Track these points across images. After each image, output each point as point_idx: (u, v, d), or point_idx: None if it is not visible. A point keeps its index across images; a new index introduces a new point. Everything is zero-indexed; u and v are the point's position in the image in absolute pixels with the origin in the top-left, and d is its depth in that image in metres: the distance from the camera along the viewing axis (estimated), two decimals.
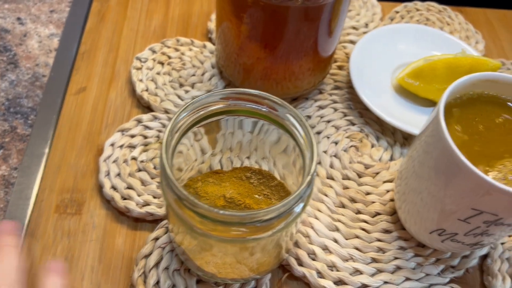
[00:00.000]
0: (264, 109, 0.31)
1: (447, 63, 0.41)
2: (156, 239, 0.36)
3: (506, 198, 0.27)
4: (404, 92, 0.45)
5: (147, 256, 0.35)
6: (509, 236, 0.39)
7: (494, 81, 0.32)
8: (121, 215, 0.39)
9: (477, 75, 0.31)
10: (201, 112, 0.31)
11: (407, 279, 0.36)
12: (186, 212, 0.27)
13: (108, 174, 0.39)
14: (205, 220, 0.26)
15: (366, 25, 0.53)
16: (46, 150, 0.42)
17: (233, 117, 0.33)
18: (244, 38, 0.39)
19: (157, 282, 0.34)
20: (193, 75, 0.47)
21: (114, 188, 0.39)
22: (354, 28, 0.53)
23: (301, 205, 0.28)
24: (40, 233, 0.37)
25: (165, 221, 0.37)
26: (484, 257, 0.38)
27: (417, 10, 0.56)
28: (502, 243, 0.39)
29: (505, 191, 0.26)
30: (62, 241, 0.37)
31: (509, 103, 0.33)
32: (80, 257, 0.36)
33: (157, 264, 0.35)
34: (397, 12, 0.55)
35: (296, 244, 0.37)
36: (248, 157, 0.40)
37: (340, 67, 0.49)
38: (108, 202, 0.39)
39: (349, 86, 0.47)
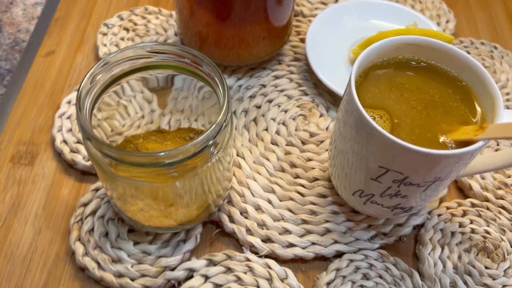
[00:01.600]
0: (188, 62, 0.32)
1: (396, 34, 0.41)
2: (97, 190, 0.38)
3: (406, 154, 0.27)
4: None
5: (85, 204, 0.37)
6: (447, 208, 0.39)
7: (418, 45, 0.32)
8: (70, 167, 0.41)
9: (397, 38, 0.32)
10: (120, 68, 0.32)
11: (336, 242, 0.37)
12: (98, 156, 0.29)
13: (61, 129, 0.42)
14: (113, 162, 0.28)
15: (336, 0, 0.54)
16: (13, 108, 0.45)
17: (155, 72, 0.34)
18: (194, 2, 0.40)
19: (92, 229, 0.36)
20: (155, 41, 0.48)
21: (65, 142, 0.41)
22: (323, 3, 0.53)
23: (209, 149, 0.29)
24: None
25: None
26: (420, 228, 0.39)
27: None
28: (439, 215, 0.39)
29: (404, 147, 0.27)
30: (12, 188, 0.39)
31: (422, 64, 0.33)
32: (26, 204, 0.39)
33: (93, 213, 0.37)
34: None
35: (230, 203, 0.38)
36: (196, 120, 0.41)
37: (302, 40, 0.50)
38: (59, 155, 0.41)
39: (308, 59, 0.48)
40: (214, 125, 0.28)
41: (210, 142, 0.28)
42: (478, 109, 0.31)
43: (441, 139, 0.29)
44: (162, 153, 0.27)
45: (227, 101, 0.29)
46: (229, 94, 0.29)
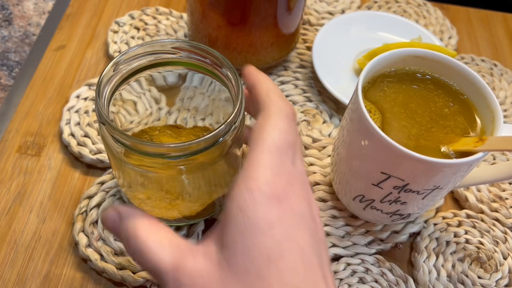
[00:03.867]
0: (209, 62, 0.33)
1: (401, 47, 0.42)
2: (102, 183, 0.39)
3: (408, 161, 0.28)
4: None
5: (90, 197, 0.38)
6: (443, 218, 0.40)
7: (423, 58, 0.33)
8: (76, 160, 0.41)
9: (402, 50, 0.33)
10: (151, 58, 0.32)
11: (334, 245, 0.38)
12: (110, 142, 0.29)
13: (69, 122, 0.42)
14: (124, 148, 0.28)
15: (343, 11, 0.55)
16: (21, 100, 0.46)
17: (185, 70, 0.34)
18: (206, 5, 0.42)
19: (96, 221, 0.37)
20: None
21: (72, 135, 0.42)
22: (330, 13, 0.55)
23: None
24: None
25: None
26: (417, 236, 0.40)
27: (396, 1, 0.57)
28: (435, 224, 0.40)
29: (407, 154, 0.28)
30: (18, 177, 0.40)
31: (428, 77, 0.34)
32: (32, 193, 0.39)
33: (98, 205, 0.38)
34: (376, 1, 0.57)
35: None
36: (202, 119, 0.42)
37: (309, 48, 0.51)
38: (66, 148, 0.42)
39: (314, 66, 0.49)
40: (224, 124, 0.29)
41: (220, 140, 0.29)
42: (479, 121, 0.32)
43: (443, 149, 0.30)
44: (172, 145, 0.28)
45: (240, 102, 0.30)
46: (243, 96, 0.30)
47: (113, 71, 0.31)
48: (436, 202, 0.40)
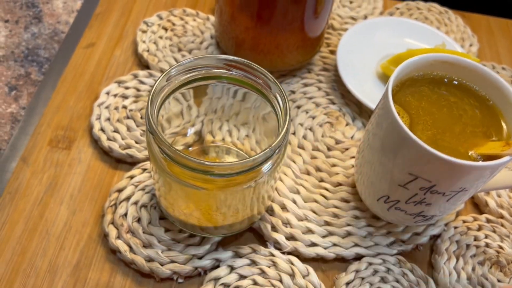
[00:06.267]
0: (259, 81, 0.33)
1: (425, 53, 0.43)
2: (132, 177, 0.40)
3: (437, 163, 0.29)
4: (386, 79, 0.47)
5: (120, 190, 0.39)
6: (464, 222, 0.41)
7: (451, 63, 0.34)
8: (105, 155, 0.43)
9: (430, 55, 0.34)
10: (202, 71, 0.33)
11: (356, 245, 0.39)
12: (155, 150, 0.30)
13: (99, 117, 0.43)
14: (167, 158, 0.29)
15: (365, 17, 0.56)
16: (52, 95, 0.47)
17: (227, 84, 0.35)
18: (236, 7, 0.43)
19: (125, 214, 0.38)
20: (192, 42, 0.50)
21: (102, 130, 0.43)
22: (352, 18, 0.56)
23: (266, 167, 0.30)
24: (32, 160, 0.42)
25: (142, 163, 0.41)
26: (437, 238, 0.40)
27: (418, 9, 0.58)
28: (455, 227, 0.41)
29: (436, 156, 0.29)
30: (50, 170, 0.41)
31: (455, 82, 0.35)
32: (62, 185, 0.40)
33: (127, 199, 0.39)
34: (398, 8, 0.58)
35: None
36: (227, 120, 0.43)
37: (332, 52, 0.52)
38: (95, 142, 0.43)
39: (337, 70, 0.50)
40: (267, 149, 0.29)
41: (259, 164, 0.30)
42: (505, 127, 0.33)
43: (470, 152, 0.31)
44: (211, 164, 0.29)
45: (286, 128, 0.30)
46: (290, 123, 0.31)
47: (166, 81, 0.32)
48: (460, 204, 0.41)
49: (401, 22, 0.52)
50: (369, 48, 0.49)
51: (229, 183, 0.31)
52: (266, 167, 0.31)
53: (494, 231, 0.41)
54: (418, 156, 0.30)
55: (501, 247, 0.40)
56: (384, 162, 0.34)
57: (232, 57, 0.33)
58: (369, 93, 0.46)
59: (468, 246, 0.40)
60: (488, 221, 0.41)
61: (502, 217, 0.42)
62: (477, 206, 0.43)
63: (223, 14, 0.45)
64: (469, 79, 0.35)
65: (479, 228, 0.41)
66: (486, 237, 0.40)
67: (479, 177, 0.30)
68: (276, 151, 0.30)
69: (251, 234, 0.39)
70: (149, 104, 0.30)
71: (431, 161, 0.29)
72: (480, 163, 0.28)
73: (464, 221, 0.41)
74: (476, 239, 0.40)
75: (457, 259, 0.39)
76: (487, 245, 0.40)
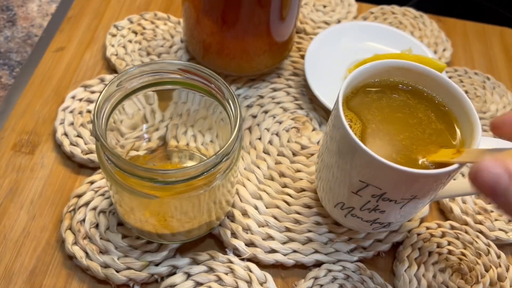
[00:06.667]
0: (212, 86, 0.33)
1: (390, 58, 0.43)
2: (92, 182, 0.40)
3: (384, 171, 0.29)
4: None
5: (80, 195, 0.39)
6: (427, 228, 0.41)
7: (407, 70, 0.34)
8: (68, 159, 0.42)
9: (387, 61, 0.33)
10: (156, 77, 0.33)
11: (316, 251, 0.38)
12: (104, 158, 0.30)
13: (63, 122, 0.43)
14: (116, 168, 0.29)
15: (339, 21, 0.56)
16: (19, 99, 0.47)
17: (186, 89, 0.35)
18: (200, 11, 0.42)
19: (83, 220, 0.38)
20: (162, 46, 0.50)
21: (65, 134, 0.43)
22: (326, 23, 0.55)
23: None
24: None
25: None
26: (399, 245, 0.40)
27: (393, 13, 0.58)
28: (418, 234, 0.40)
29: (383, 164, 0.28)
30: (11, 174, 0.41)
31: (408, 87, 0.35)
32: (23, 190, 0.40)
33: (86, 204, 0.38)
34: (372, 13, 0.57)
35: None
36: (192, 125, 0.43)
37: (302, 56, 0.52)
38: (59, 147, 0.43)
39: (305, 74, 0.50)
40: (215, 155, 0.29)
41: (210, 170, 0.30)
42: (458, 133, 0.33)
43: (421, 160, 0.31)
44: (161, 171, 0.29)
45: (235, 134, 0.30)
46: (241, 128, 0.30)
47: (116, 87, 0.31)
48: (419, 212, 0.40)
49: (371, 27, 0.52)
50: (338, 53, 0.49)
51: (180, 189, 0.31)
52: (218, 173, 0.31)
53: (458, 238, 0.40)
54: (367, 164, 0.30)
55: (463, 254, 0.39)
56: (341, 166, 0.33)
57: (184, 62, 0.33)
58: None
59: (430, 253, 0.39)
60: (452, 227, 0.41)
61: (466, 223, 0.41)
62: (443, 212, 0.43)
63: (189, 18, 0.45)
64: (426, 86, 0.34)
65: (443, 235, 0.40)
66: (449, 244, 0.40)
67: (429, 185, 0.30)
68: (224, 159, 0.30)
69: (211, 241, 0.39)
70: (95, 110, 0.30)
71: (379, 169, 0.29)
72: (425, 171, 0.28)
73: (427, 228, 0.41)
74: (438, 246, 0.40)
75: (418, 266, 0.38)
76: (449, 252, 0.39)
